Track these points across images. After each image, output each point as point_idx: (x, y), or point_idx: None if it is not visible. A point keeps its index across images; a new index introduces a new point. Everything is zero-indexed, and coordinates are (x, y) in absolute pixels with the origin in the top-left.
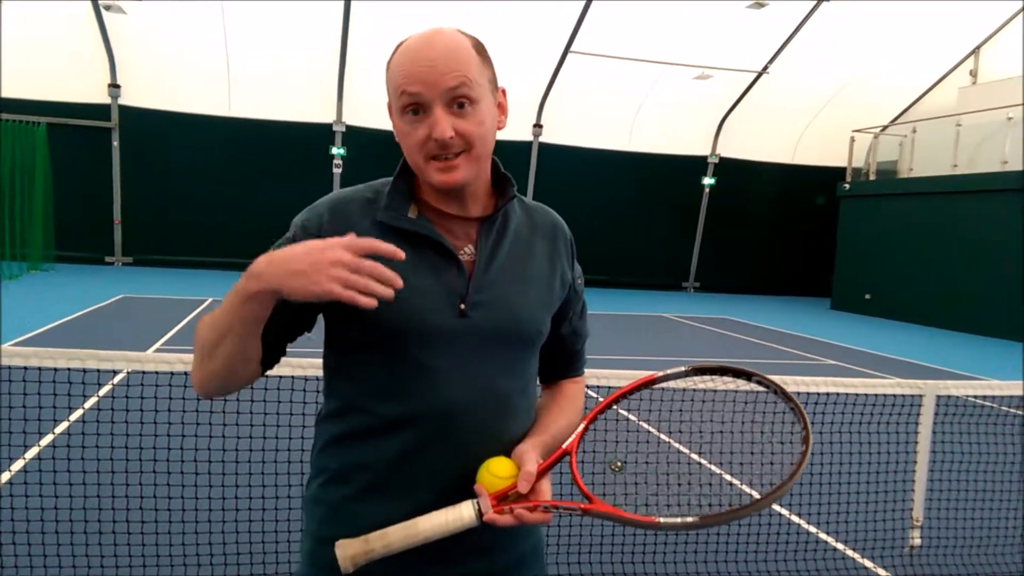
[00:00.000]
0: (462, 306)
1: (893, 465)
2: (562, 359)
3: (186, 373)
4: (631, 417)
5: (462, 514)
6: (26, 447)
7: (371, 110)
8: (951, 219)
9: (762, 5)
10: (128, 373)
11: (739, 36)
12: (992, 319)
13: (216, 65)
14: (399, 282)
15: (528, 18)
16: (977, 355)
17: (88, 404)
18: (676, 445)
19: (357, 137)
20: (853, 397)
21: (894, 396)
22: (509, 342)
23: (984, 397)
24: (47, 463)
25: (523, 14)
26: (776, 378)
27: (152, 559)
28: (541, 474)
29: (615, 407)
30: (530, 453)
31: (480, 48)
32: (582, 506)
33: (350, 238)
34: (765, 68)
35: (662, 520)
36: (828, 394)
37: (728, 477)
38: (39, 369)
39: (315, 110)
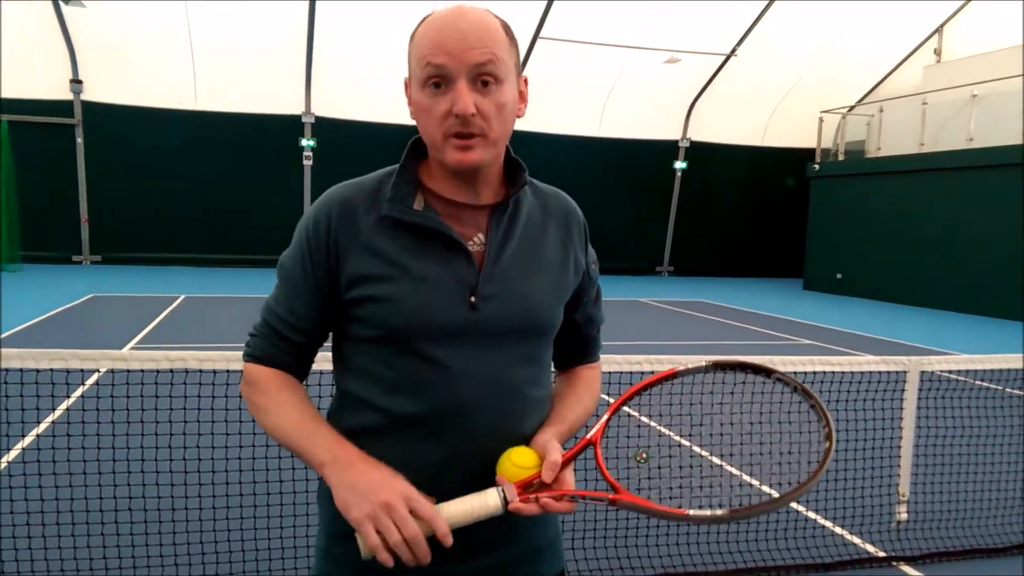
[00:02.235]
0: (472, 299)
1: (879, 442)
2: (577, 345)
3: (171, 371)
4: (638, 412)
5: (487, 501)
6: (7, 450)
7: (340, 100)
8: (919, 197)
9: None
10: (110, 372)
11: (707, 19)
12: (961, 295)
13: (181, 58)
14: (427, 558)
15: (497, 5)
16: (947, 331)
17: (68, 404)
18: (692, 438)
19: (327, 128)
20: (839, 375)
21: (879, 373)
22: (522, 334)
23: (966, 372)
24: (31, 466)
25: (492, 1)
26: (762, 359)
27: (142, 559)
28: (565, 464)
29: (631, 401)
30: (553, 442)
31: (509, 30)
32: (610, 496)
33: (413, 493)
34: (733, 51)
35: (692, 512)
36: (814, 373)
37: (745, 471)
38: (20, 371)
39: (283, 101)
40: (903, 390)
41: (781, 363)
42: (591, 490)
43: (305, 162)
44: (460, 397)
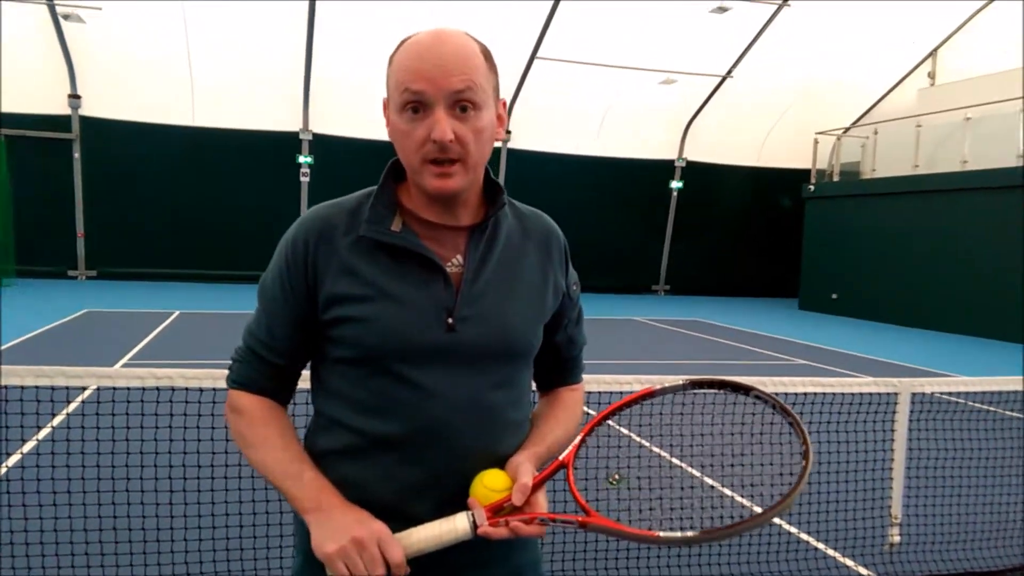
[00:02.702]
0: (450, 320)
1: (871, 463)
2: (558, 367)
3: (158, 388)
4: (623, 430)
5: (456, 526)
6: None
7: (338, 118)
8: (914, 218)
9: (725, 9)
10: (98, 389)
11: (703, 40)
12: (956, 316)
13: (179, 74)
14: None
15: (494, 25)
16: (942, 352)
17: (56, 422)
18: (671, 458)
19: (324, 145)
20: (830, 396)
21: (870, 394)
22: (499, 356)
23: (957, 394)
24: (15, 484)
25: (489, 21)
26: (754, 380)
27: None
28: (536, 486)
29: (610, 421)
30: (525, 465)
31: (488, 55)
32: (579, 519)
33: (386, 536)
34: (729, 72)
35: (662, 534)
36: (805, 394)
37: (726, 490)
38: (5, 388)
39: (281, 118)
40: (895, 412)
41: (771, 384)
42: (561, 512)
43: (302, 179)
44: (436, 418)
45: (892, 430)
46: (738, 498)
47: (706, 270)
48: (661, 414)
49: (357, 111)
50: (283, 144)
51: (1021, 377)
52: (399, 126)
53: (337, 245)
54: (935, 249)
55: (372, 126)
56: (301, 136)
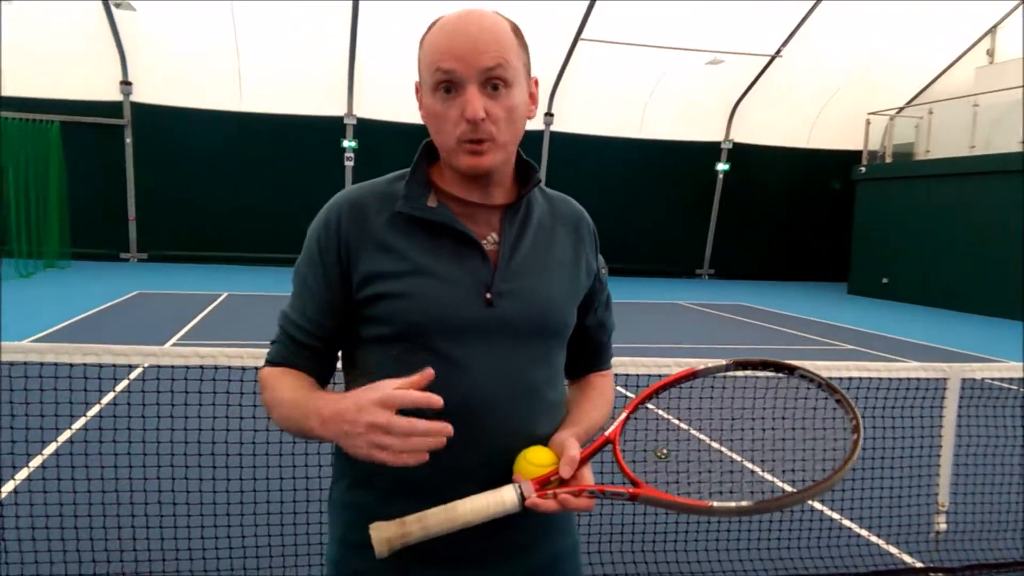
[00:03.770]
0: (488, 295)
1: (917, 450)
2: (589, 352)
3: (202, 367)
4: (662, 413)
5: (503, 498)
6: (44, 443)
7: (382, 102)
8: (969, 201)
9: None
10: (145, 368)
11: (751, 19)
12: (1009, 301)
13: (227, 60)
14: (445, 429)
15: (538, 6)
16: (995, 337)
17: (106, 400)
18: (711, 442)
19: (368, 130)
20: (876, 381)
21: (918, 380)
22: (538, 332)
23: (1009, 380)
24: (65, 459)
25: (533, 3)
26: (799, 363)
27: (172, 553)
28: (583, 461)
29: (648, 404)
30: (571, 439)
31: (518, 33)
32: (630, 491)
33: (382, 395)
34: (778, 52)
35: (716, 504)
36: (851, 379)
37: (766, 475)
38: (55, 365)
39: (326, 103)
40: (943, 397)
41: (816, 368)
42: (610, 484)
43: (347, 163)
44: (476, 395)
45: (941, 416)
46: (780, 475)
47: (752, 254)
48: (700, 397)
49: (400, 96)
50: (328, 129)
51: None
52: (432, 107)
53: (371, 223)
54: (989, 232)
55: (415, 110)
56: (345, 121)
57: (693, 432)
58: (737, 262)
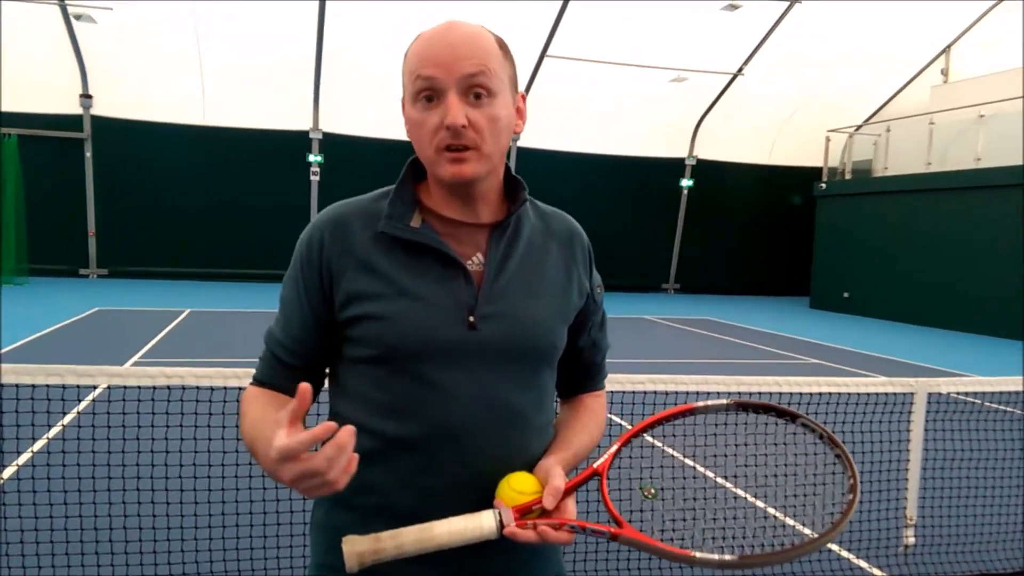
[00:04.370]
0: (471, 318)
1: (886, 464)
2: (581, 372)
3: (169, 387)
4: (656, 442)
5: (482, 523)
6: (3, 466)
7: (348, 117)
8: (927, 217)
9: (736, 7)
10: (108, 388)
11: (714, 38)
12: (970, 315)
13: (189, 73)
14: (340, 438)
15: (504, 23)
16: (956, 351)
17: (66, 420)
18: (706, 472)
19: (334, 144)
20: (845, 396)
21: (885, 394)
22: (522, 356)
23: (973, 394)
24: (26, 483)
25: (499, 19)
26: (768, 380)
27: None
28: (567, 493)
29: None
30: (557, 468)
31: (503, 45)
32: (612, 530)
33: (276, 454)
34: (740, 70)
35: (698, 555)
36: (820, 394)
37: (768, 509)
38: (16, 386)
39: (291, 117)
40: (910, 412)
41: (787, 384)
42: (593, 522)
43: (312, 178)
44: (456, 420)
45: (908, 431)
46: (774, 522)
47: (716, 269)
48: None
49: (368, 110)
50: (293, 143)
51: None
52: (414, 116)
53: (353, 242)
54: (948, 248)
55: (383, 125)
56: (311, 135)
57: (687, 461)
58: (702, 277)
